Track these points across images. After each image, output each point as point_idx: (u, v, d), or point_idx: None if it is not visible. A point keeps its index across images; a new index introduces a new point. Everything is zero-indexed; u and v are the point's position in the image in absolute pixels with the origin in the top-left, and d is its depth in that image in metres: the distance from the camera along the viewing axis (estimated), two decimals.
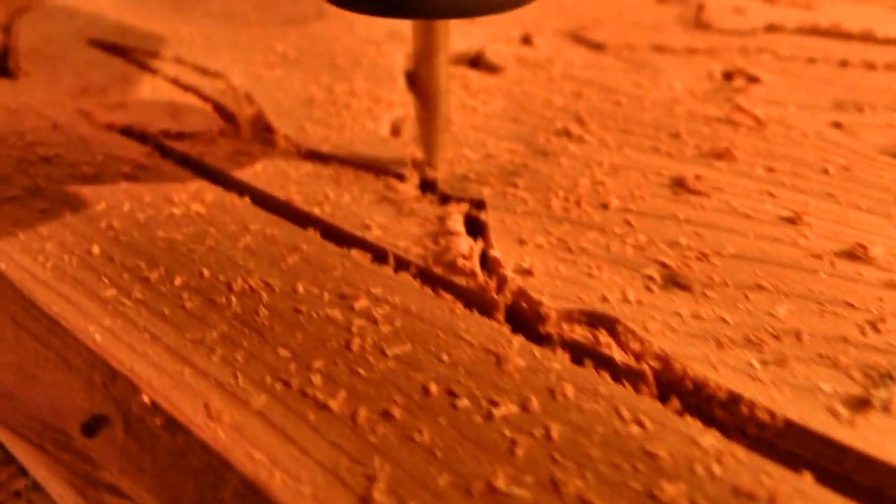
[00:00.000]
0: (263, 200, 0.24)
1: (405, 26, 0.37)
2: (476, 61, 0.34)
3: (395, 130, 0.28)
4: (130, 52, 0.36)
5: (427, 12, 0.20)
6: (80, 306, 0.19)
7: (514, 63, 0.33)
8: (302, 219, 0.23)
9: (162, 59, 0.34)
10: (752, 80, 0.30)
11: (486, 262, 0.21)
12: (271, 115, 0.29)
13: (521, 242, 0.21)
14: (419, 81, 0.23)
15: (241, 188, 0.24)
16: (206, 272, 0.20)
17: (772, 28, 0.36)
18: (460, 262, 0.20)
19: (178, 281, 0.20)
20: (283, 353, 0.18)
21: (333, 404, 0.16)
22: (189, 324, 0.19)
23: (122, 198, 0.24)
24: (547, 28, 0.37)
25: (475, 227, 0.22)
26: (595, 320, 0.19)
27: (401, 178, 0.25)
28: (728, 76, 0.31)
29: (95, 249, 0.21)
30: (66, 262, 0.21)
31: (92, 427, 0.19)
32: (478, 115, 0.28)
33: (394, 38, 0.36)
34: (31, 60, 0.35)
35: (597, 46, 0.34)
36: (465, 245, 0.21)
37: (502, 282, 0.20)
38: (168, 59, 0.34)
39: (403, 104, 0.29)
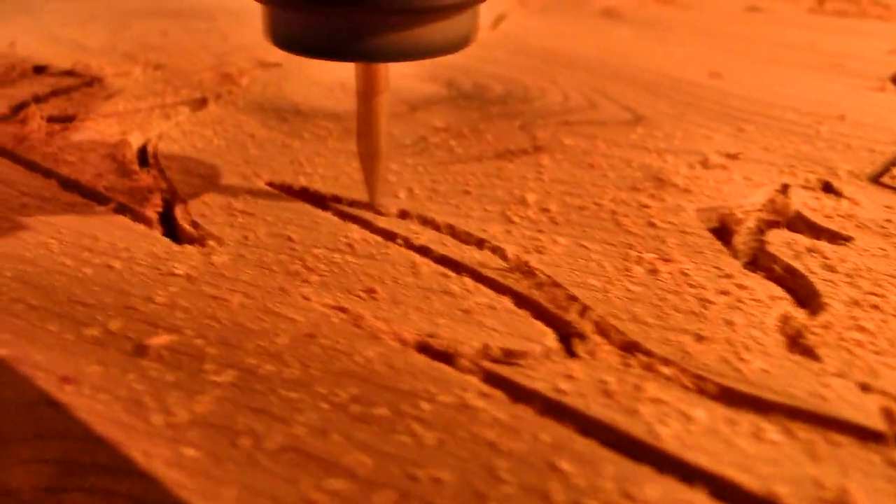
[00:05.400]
0: (729, 495, 0.16)
1: (663, 168, 0.30)
2: (795, 223, 0.27)
3: (799, 345, 0.20)
4: (329, 202, 0.27)
5: (368, 56, 0.22)
6: None
7: (849, 225, 0.26)
8: None
9: (384, 215, 0.26)
10: None
11: None
12: (608, 316, 0.21)
13: None
14: (360, 121, 0.25)
15: (677, 469, 0.17)
16: None
17: None
18: None
19: None
20: None
21: None
22: None
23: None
24: (839, 169, 0.30)
25: None
26: None
27: (881, 439, 0.17)
28: None
29: None
30: None
31: None
32: (890, 320, 0.21)
33: (661, 184, 0.28)
34: (204, 215, 0.26)
35: None
36: None
37: None
38: (391, 213, 0.27)
39: (772, 298, 0.22)
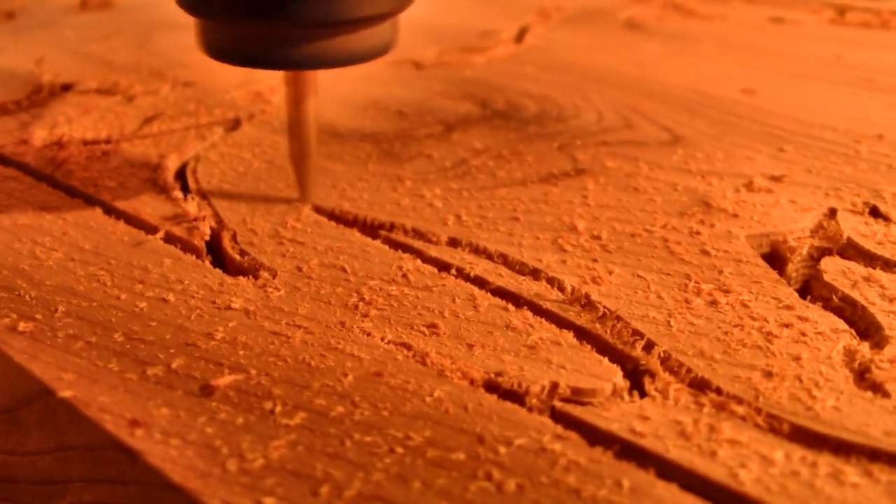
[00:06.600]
0: None
1: (709, 192, 0.30)
2: (846, 249, 0.26)
3: (867, 381, 0.20)
4: (375, 229, 0.27)
5: (294, 63, 0.24)
6: None
7: None
8: None
9: (435, 243, 0.26)
10: None
11: None
12: (674, 352, 0.21)
13: None
14: (291, 124, 0.27)
15: None
16: None
17: None
18: None
19: None
20: None
21: None
22: None
23: None
24: (884, 192, 0.30)
25: None
26: None
27: None
28: None
29: None
30: None
31: None
32: None
33: (708, 209, 0.28)
34: (252, 244, 0.26)
35: None
36: None
37: None
38: (441, 241, 0.26)
39: (835, 331, 0.22)
